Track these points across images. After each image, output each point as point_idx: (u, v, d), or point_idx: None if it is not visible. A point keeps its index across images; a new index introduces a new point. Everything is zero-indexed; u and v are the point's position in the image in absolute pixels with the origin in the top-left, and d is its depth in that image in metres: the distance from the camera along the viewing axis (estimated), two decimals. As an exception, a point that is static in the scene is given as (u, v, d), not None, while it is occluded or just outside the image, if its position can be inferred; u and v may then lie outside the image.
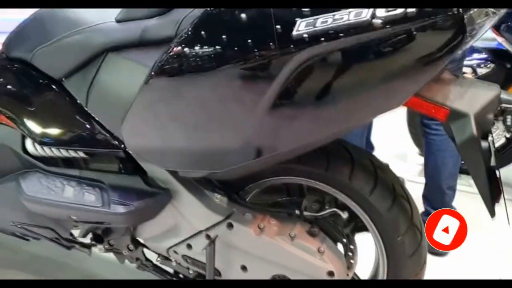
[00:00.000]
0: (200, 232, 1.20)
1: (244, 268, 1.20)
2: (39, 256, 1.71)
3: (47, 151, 1.26)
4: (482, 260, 1.91)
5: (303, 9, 0.82)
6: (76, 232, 1.35)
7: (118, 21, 1.11)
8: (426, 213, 2.01)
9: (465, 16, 0.80)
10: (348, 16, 0.80)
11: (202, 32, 0.90)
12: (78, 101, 1.19)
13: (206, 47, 0.90)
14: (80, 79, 1.17)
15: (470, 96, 0.96)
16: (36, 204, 1.19)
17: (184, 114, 0.97)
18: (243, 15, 0.86)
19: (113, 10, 1.14)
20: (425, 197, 2.06)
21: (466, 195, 2.15)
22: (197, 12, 0.96)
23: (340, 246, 1.25)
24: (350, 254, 1.25)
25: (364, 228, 1.21)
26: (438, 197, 2.00)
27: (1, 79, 1.30)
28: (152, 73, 0.96)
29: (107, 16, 1.14)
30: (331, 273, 1.11)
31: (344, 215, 1.18)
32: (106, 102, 1.14)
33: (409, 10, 0.79)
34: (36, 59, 1.24)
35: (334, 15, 0.80)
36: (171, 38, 1.02)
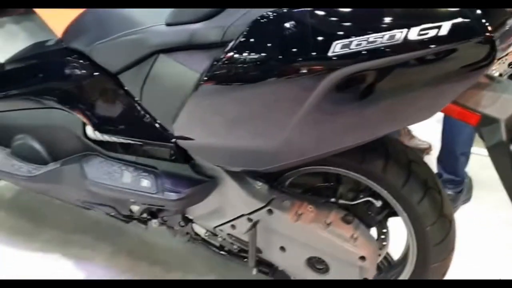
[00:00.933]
0: (242, 215, 1.32)
1: (282, 248, 1.31)
2: (101, 221, 1.89)
3: (106, 137, 1.39)
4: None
5: (339, 32, 0.88)
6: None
7: (167, 24, 1.19)
8: (438, 176, 2.09)
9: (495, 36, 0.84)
10: (382, 39, 0.85)
11: (250, 45, 0.98)
12: (133, 95, 1.30)
13: (253, 58, 0.98)
14: (134, 76, 1.27)
15: (502, 102, 1.00)
16: (99, 188, 1.34)
17: (231, 117, 1.07)
18: (287, 32, 0.93)
19: (162, 12, 1.21)
20: (440, 160, 2.15)
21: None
22: (243, 21, 1.03)
23: (373, 229, 1.34)
24: (382, 236, 1.35)
25: (396, 214, 1.29)
26: (451, 162, 2.09)
27: (64, 69, 1.42)
28: (203, 79, 1.05)
29: (157, 18, 1.22)
30: (362, 258, 1.21)
31: (378, 203, 1.27)
32: (158, 99, 1.25)
33: (441, 33, 0.83)
34: (94, 53, 1.34)
35: (368, 38, 0.86)
36: (217, 43, 1.10)
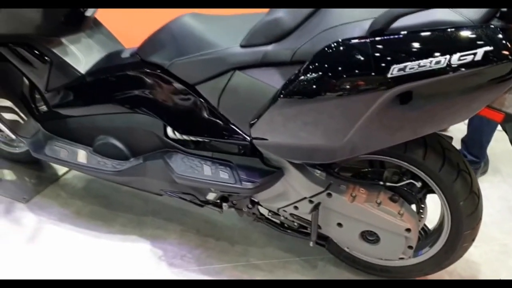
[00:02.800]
0: (305, 198, 1.58)
1: (339, 224, 1.59)
2: (167, 204, 2.17)
3: (184, 136, 1.65)
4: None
5: (396, 57, 1.12)
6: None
7: (242, 46, 1.43)
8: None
9: None
10: (430, 63, 1.10)
11: (319, 68, 1.22)
12: (210, 103, 1.55)
13: (323, 78, 1.22)
14: (212, 87, 1.52)
15: None
16: (185, 180, 1.61)
17: (303, 123, 1.32)
18: (351, 59, 1.17)
19: (235, 36, 1.45)
20: (465, 142, 2.45)
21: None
22: (310, 45, 1.28)
23: (413, 206, 1.61)
24: (421, 211, 1.62)
25: (433, 192, 1.55)
26: (477, 147, 2.39)
27: (145, 80, 1.67)
28: (280, 95, 1.30)
29: (231, 41, 1.46)
30: (408, 230, 1.48)
31: (418, 184, 1.53)
32: (234, 106, 1.50)
33: (476, 58, 1.07)
34: (173, 67, 1.58)
35: (419, 63, 1.10)
36: (287, 62, 1.34)
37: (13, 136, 2.00)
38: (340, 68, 1.20)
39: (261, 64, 1.40)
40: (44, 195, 2.27)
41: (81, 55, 1.87)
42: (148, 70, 1.66)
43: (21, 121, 1.98)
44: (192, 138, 1.64)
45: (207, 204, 1.78)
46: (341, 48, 1.19)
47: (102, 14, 2.06)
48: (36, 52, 1.81)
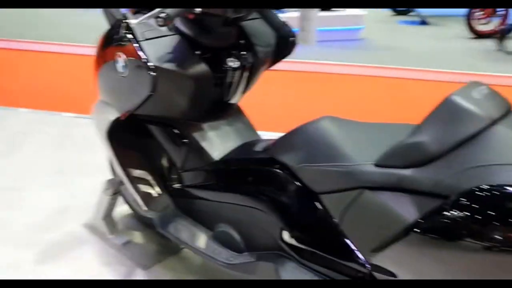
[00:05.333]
0: None
1: None
2: None
3: (300, 244, 1.55)
4: None
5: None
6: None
7: (376, 165, 1.31)
8: None
9: None
10: None
11: (467, 209, 1.05)
12: (332, 216, 1.44)
13: (469, 222, 1.05)
14: (337, 200, 1.41)
15: None
16: None
17: (438, 265, 1.14)
18: (506, 208, 1.00)
19: (371, 153, 1.35)
20: None
21: None
22: (454, 180, 1.11)
23: None
24: None
25: None
26: None
27: (271, 178, 1.64)
28: (415, 229, 1.15)
29: (366, 157, 1.35)
30: None
31: None
32: (358, 227, 1.37)
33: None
34: (301, 171, 1.52)
35: None
36: (425, 192, 1.18)
37: (145, 208, 2.08)
38: (491, 217, 1.02)
39: (394, 188, 1.26)
40: (163, 265, 2.31)
41: (218, 142, 1.91)
42: (275, 169, 1.62)
43: (154, 194, 2.07)
44: (307, 248, 1.53)
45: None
46: (495, 193, 1.02)
47: (246, 102, 2.11)
48: (177, 133, 1.90)
